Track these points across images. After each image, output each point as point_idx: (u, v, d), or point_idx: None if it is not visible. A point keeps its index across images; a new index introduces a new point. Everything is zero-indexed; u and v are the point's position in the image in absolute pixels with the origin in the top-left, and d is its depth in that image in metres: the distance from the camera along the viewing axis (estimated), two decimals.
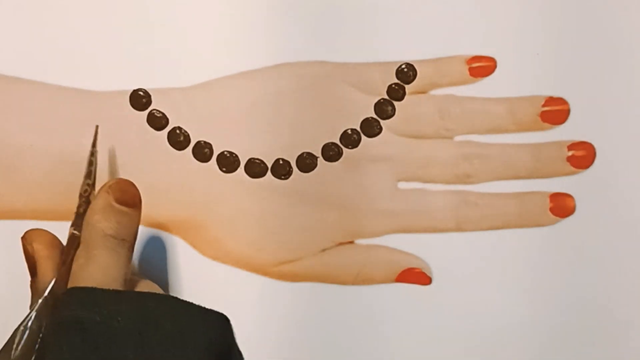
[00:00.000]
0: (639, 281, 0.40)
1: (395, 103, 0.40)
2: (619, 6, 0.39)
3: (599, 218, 0.39)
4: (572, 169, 0.39)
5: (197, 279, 0.40)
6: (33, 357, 0.30)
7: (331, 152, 0.39)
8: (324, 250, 0.40)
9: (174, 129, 0.39)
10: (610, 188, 0.39)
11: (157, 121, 0.39)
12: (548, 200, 0.39)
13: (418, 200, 0.40)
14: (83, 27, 0.39)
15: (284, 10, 0.39)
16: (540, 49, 0.39)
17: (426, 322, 0.40)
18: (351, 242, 0.40)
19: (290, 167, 0.39)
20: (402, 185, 0.40)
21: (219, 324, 0.32)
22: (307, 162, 0.39)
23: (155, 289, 0.34)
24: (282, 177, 0.39)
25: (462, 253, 0.40)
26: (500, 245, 0.40)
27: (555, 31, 0.39)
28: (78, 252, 0.32)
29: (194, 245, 0.40)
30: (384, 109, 0.40)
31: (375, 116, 0.40)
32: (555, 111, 0.39)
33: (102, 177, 0.38)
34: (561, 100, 0.39)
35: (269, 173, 0.39)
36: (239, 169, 0.39)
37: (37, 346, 0.30)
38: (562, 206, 0.40)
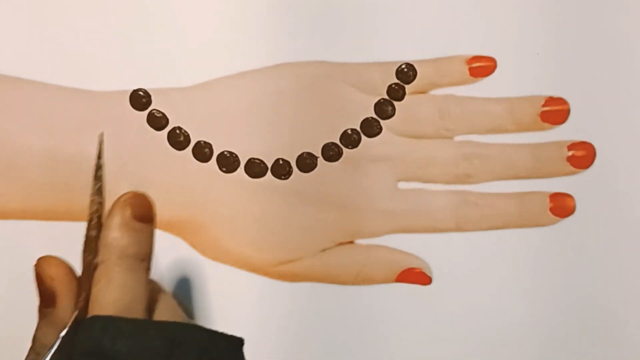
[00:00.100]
0: (639, 281, 0.40)
1: (395, 103, 0.40)
2: (619, 6, 0.39)
3: (599, 218, 0.39)
4: (572, 169, 0.39)
5: (197, 279, 0.40)
6: None
7: (331, 152, 0.40)
8: (324, 250, 0.40)
9: (174, 129, 0.39)
10: (610, 188, 0.39)
11: (157, 121, 0.39)
12: (548, 200, 0.39)
13: (418, 200, 0.40)
14: (83, 27, 0.40)
15: (284, 10, 0.39)
16: (540, 49, 0.39)
17: (426, 322, 0.40)
18: (351, 242, 0.40)
19: (290, 167, 0.39)
20: (402, 185, 0.40)
21: (237, 348, 0.31)
22: (307, 162, 0.39)
23: (173, 302, 0.33)
24: (282, 177, 0.39)
25: (462, 253, 0.40)
26: (500, 245, 0.40)
27: (555, 31, 0.39)
28: (97, 274, 0.30)
29: (194, 245, 0.40)
30: (384, 109, 0.40)
31: (375, 116, 0.40)
32: (555, 111, 0.39)
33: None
34: (561, 100, 0.39)
35: (269, 173, 0.39)
36: (239, 169, 0.39)
37: None
38: (562, 206, 0.40)
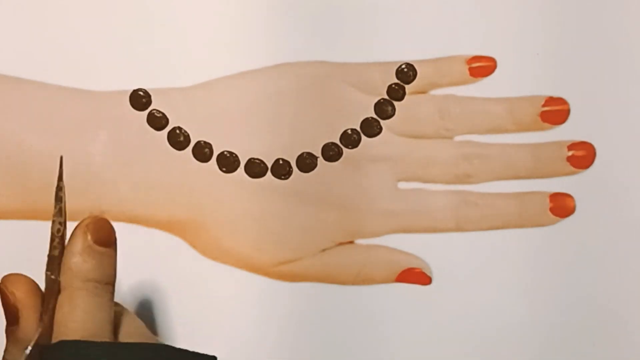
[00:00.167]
0: (639, 281, 0.40)
1: (395, 103, 0.40)
2: (619, 6, 0.39)
3: (599, 218, 0.39)
4: (572, 169, 0.39)
5: (197, 279, 0.40)
6: None
7: (331, 152, 0.39)
8: (324, 250, 0.40)
9: (174, 129, 0.39)
10: (610, 188, 0.39)
11: (157, 121, 0.39)
12: (548, 200, 0.39)
13: (418, 200, 0.40)
14: (83, 27, 0.39)
15: (284, 10, 0.39)
16: (540, 49, 0.39)
17: (426, 322, 0.40)
18: (351, 242, 0.40)
19: (290, 167, 0.39)
20: (402, 185, 0.40)
21: None
22: (307, 162, 0.39)
23: (138, 323, 0.33)
24: (282, 177, 0.39)
25: (462, 253, 0.40)
26: (500, 245, 0.40)
27: (555, 31, 0.39)
28: (60, 299, 0.30)
29: (194, 245, 0.40)
30: (384, 109, 0.40)
31: (375, 116, 0.40)
32: (555, 111, 0.39)
33: (102, 179, 0.38)
34: (561, 100, 0.39)
35: (269, 173, 0.39)
36: (239, 169, 0.39)
37: None
38: (562, 206, 0.40)
